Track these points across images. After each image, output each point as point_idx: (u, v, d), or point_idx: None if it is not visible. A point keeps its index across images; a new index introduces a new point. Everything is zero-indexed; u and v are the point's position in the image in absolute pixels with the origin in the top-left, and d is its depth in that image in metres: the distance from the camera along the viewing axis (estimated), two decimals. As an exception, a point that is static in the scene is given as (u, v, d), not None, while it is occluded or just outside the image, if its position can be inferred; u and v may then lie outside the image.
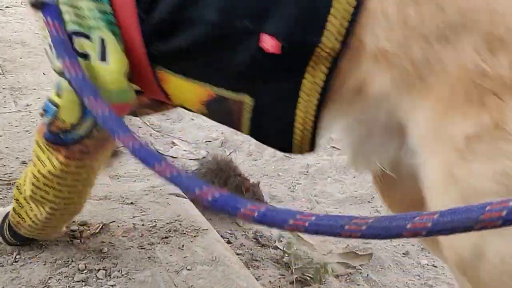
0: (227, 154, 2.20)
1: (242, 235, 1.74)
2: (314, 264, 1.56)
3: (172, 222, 1.40)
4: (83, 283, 1.16)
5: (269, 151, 2.30)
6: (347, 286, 1.55)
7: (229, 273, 1.24)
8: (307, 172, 2.17)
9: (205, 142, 2.34)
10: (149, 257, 1.27)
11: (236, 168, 1.86)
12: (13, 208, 1.18)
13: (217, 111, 0.98)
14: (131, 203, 1.49)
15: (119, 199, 1.50)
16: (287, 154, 2.27)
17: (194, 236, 1.36)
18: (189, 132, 2.42)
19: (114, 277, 1.19)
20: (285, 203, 1.94)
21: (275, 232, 1.75)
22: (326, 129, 0.92)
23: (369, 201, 2.00)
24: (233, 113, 0.95)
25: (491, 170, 0.70)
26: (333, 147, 2.40)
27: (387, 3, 0.77)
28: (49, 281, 1.15)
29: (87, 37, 0.95)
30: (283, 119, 0.90)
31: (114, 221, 1.38)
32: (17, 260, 1.20)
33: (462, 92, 0.72)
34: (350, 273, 1.61)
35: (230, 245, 1.59)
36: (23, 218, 1.17)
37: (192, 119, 2.55)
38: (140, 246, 1.30)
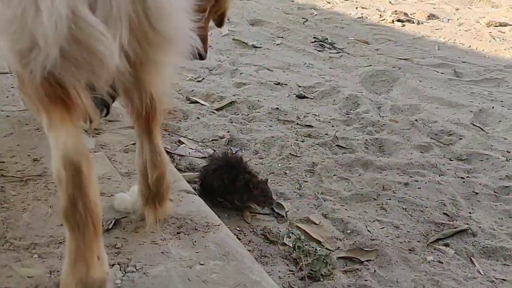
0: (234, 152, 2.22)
1: (250, 231, 1.75)
2: (322, 260, 1.58)
3: (184, 218, 1.42)
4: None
5: (275, 149, 2.32)
6: (354, 282, 1.57)
7: (241, 268, 1.26)
8: (313, 170, 2.18)
9: (212, 140, 2.35)
10: (162, 252, 1.28)
11: (246, 165, 1.87)
12: None
13: None
14: (143, 199, 1.50)
15: (130, 196, 1.51)
16: (293, 153, 2.29)
17: (206, 232, 1.38)
18: (196, 131, 2.44)
19: (129, 272, 1.20)
20: (292, 200, 1.96)
21: (283, 228, 1.77)
22: None
23: (374, 199, 2.02)
24: None
25: None
26: (338, 145, 2.43)
27: None
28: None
29: None
30: None
31: (125, 217, 1.40)
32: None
33: None
34: (358, 269, 1.63)
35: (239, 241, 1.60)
36: None
37: (198, 118, 2.56)
38: (153, 241, 1.32)
